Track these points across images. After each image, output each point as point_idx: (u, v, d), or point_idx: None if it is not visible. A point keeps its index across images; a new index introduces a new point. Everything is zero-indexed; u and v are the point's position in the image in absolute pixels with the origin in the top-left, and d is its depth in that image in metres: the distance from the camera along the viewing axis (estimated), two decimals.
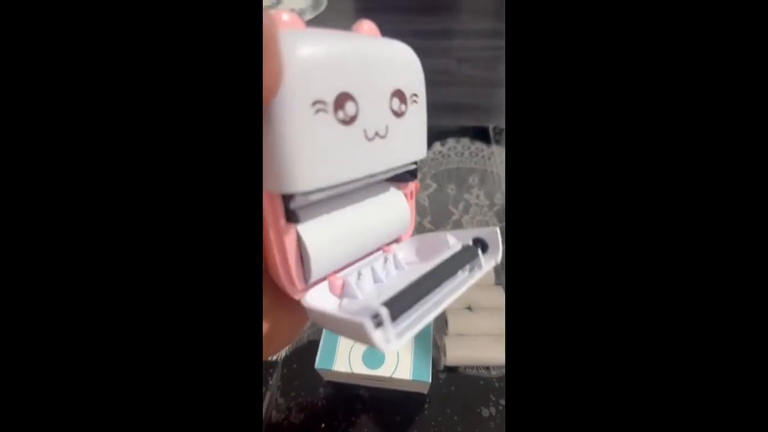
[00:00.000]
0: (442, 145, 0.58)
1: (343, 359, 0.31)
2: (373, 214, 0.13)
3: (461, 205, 0.51)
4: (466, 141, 0.59)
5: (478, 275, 0.13)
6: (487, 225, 0.41)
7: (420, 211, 0.51)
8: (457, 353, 0.35)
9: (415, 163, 0.14)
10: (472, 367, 0.36)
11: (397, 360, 0.31)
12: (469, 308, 0.39)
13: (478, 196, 0.52)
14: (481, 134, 0.60)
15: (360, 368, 0.30)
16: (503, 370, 0.36)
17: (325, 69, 0.10)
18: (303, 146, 0.10)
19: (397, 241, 0.15)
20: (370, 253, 0.14)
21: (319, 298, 0.12)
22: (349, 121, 0.11)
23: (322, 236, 0.12)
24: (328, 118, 0.10)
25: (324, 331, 0.32)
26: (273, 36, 0.09)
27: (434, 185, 0.54)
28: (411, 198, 0.15)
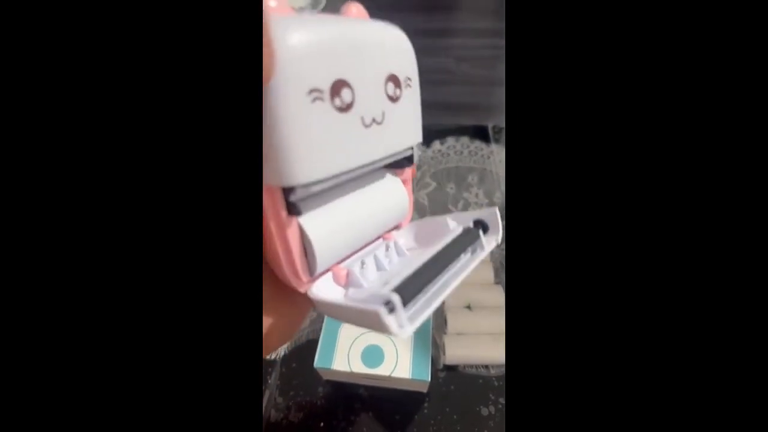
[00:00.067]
0: (442, 143, 0.58)
1: (342, 358, 0.31)
2: (372, 202, 0.13)
3: (460, 204, 0.51)
4: (465, 140, 0.59)
5: (481, 256, 0.13)
6: None
7: (419, 209, 0.51)
8: (456, 352, 0.35)
9: (412, 147, 0.14)
10: (472, 366, 0.36)
11: (396, 359, 0.31)
12: (468, 307, 0.39)
13: (477, 195, 0.52)
14: (480, 133, 0.60)
15: (359, 367, 0.30)
16: (502, 369, 0.36)
17: (319, 56, 0.10)
18: (302, 137, 0.10)
19: (397, 227, 0.15)
20: (372, 242, 0.14)
21: (324, 290, 0.12)
22: (345, 108, 0.10)
23: (324, 227, 0.12)
24: (325, 107, 0.10)
25: (323, 329, 0.32)
26: (264, 23, 0.08)
27: (433, 184, 0.54)
28: (408, 183, 0.15)
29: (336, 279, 0.13)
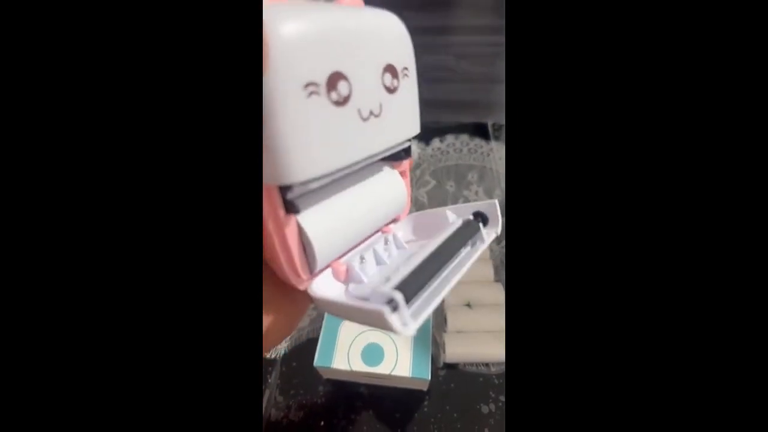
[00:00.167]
0: (441, 141, 0.58)
1: (342, 357, 0.31)
2: (370, 196, 0.13)
3: (460, 202, 0.51)
4: (465, 137, 0.59)
5: (481, 249, 0.13)
6: None
7: (419, 208, 0.50)
8: (456, 350, 0.35)
9: (409, 139, 0.13)
10: (472, 364, 0.36)
11: (396, 357, 0.31)
12: (468, 305, 0.39)
13: (477, 193, 0.52)
14: (480, 130, 0.59)
15: (359, 366, 0.30)
16: (502, 367, 0.36)
17: (315, 47, 0.09)
18: (298, 133, 0.09)
19: (395, 220, 0.15)
20: (370, 236, 0.14)
21: (324, 287, 0.12)
22: (342, 101, 0.10)
23: (323, 224, 0.11)
24: (322, 101, 0.10)
25: (323, 328, 0.32)
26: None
27: (433, 182, 0.53)
28: (406, 175, 0.15)
29: (335, 275, 0.13)
